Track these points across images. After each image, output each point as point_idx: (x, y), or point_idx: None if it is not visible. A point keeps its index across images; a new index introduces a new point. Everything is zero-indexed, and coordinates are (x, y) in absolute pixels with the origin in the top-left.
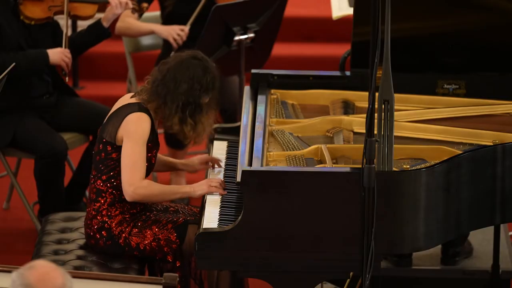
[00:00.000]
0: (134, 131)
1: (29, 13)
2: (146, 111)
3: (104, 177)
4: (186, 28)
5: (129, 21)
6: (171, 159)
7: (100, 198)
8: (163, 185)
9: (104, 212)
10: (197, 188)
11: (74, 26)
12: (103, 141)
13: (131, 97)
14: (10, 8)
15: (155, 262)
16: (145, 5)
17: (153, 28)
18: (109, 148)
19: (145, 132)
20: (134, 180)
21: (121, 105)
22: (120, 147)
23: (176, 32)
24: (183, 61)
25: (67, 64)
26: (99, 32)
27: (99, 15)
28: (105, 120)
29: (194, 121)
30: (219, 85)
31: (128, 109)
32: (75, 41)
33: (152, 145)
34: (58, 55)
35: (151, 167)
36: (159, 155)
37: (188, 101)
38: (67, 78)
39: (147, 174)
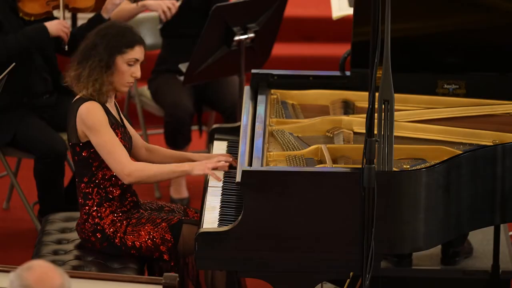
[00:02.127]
0: (92, 122)
1: (27, 9)
2: (89, 99)
3: (85, 179)
4: (177, 3)
5: (120, 7)
6: (187, 154)
7: (88, 201)
8: (160, 164)
9: (94, 214)
10: (196, 167)
11: (74, 21)
12: (70, 145)
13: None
14: (8, 6)
15: (154, 262)
16: None
17: (144, 2)
18: (77, 149)
19: (101, 118)
20: (122, 165)
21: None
22: (86, 143)
23: (166, 5)
24: (93, 31)
25: (67, 34)
26: (100, 23)
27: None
28: (67, 126)
29: (92, 77)
30: (138, 42)
31: (75, 105)
32: (76, 36)
33: (114, 127)
34: (56, 26)
35: (127, 149)
36: (172, 151)
37: (90, 59)
38: (66, 47)
39: None
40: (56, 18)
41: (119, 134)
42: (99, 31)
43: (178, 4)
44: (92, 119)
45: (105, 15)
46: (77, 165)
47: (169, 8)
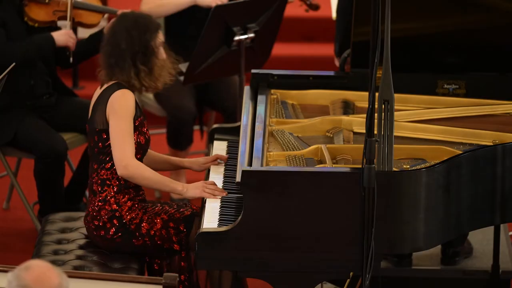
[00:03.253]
0: (119, 107)
1: (33, 15)
2: (125, 87)
3: (108, 165)
4: None
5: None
6: (176, 158)
7: (106, 187)
8: (156, 173)
9: (112, 201)
10: (190, 190)
11: (74, 33)
12: (96, 131)
13: (100, 87)
14: (15, 8)
15: (157, 256)
16: None
17: None
18: (104, 135)
19: (129, 107)
20: (124, 155)
21: (98, 94)
22: None
23: None
24: (113, 26)
25: (73, 44)
26: (101, 42)
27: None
28: (90, 114)
29: (147, 67)
30: (158, 25)
31: (109, 91)
32: (76, 49)
33: (140, 120)
34: (64, 37)
35: (147, 143)
36: (163, 155)
37: (134, 51)
38: (71, 59)
39: (144, 151)
40: (59, 28)
41: (145, 126)
42: (129, 24)
43: None
44: (120, 103)
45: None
46: (99, 152)
47: (222, 1)
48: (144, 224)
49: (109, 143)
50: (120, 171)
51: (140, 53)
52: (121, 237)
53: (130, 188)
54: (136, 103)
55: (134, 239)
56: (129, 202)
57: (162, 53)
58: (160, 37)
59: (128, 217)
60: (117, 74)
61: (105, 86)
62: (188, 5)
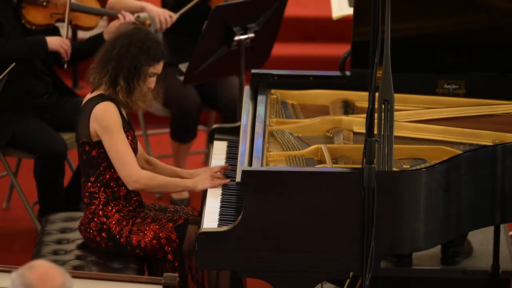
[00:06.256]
0: (106, 123)
1: (31, 18)
2: (108, 99)
3: (92, 178)
4: (175, 16)
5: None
6: (176, 169)
7: (94, 200)
8: (165, 177)
9: (100, 213)
10: (199, 184)
11: (74, 35)
12: (80, 143)
13: (91, 92)
14: (12, 10)
15: (154, 261)
16: (148, 22)
17: (144, 5)
18: (87, 148)
19: (116, 119)
20: (131, 170)
21: (84, 102)
22: (97, 143)
23: (164, 16)
24: (121, 33)
25: (66, 51)
26: (99, 44)
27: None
28: (76, 124)
29: (128, 86)
30: (165, 57)
31: (91, 103)
32: (74, 50)
33: (126, 129)
34: (57, 41)
35: (135, 152)
36: (164, 164)
37: (122, 63)
38: (65, 66)
39: None
40: (56, 28)
41: (130, 136)
42: (135, 39)
43: (175, 18)
44: (107, 119)
45: (106, 37)
46: (84, 164)
47: (166, 20)
48: (133, 236)
49: (92, 155)
50: (131, 187)
51: (126, 69)
52: (113, 248)
53: (119, 199)
54: (122, 115)
55: (126, 252)
56: (117, 214)
57: (150, 83)
58: (158, 68)
59: (117, 229)
60: (100, 79)
61: (90, 95)
62: (137, 10)
